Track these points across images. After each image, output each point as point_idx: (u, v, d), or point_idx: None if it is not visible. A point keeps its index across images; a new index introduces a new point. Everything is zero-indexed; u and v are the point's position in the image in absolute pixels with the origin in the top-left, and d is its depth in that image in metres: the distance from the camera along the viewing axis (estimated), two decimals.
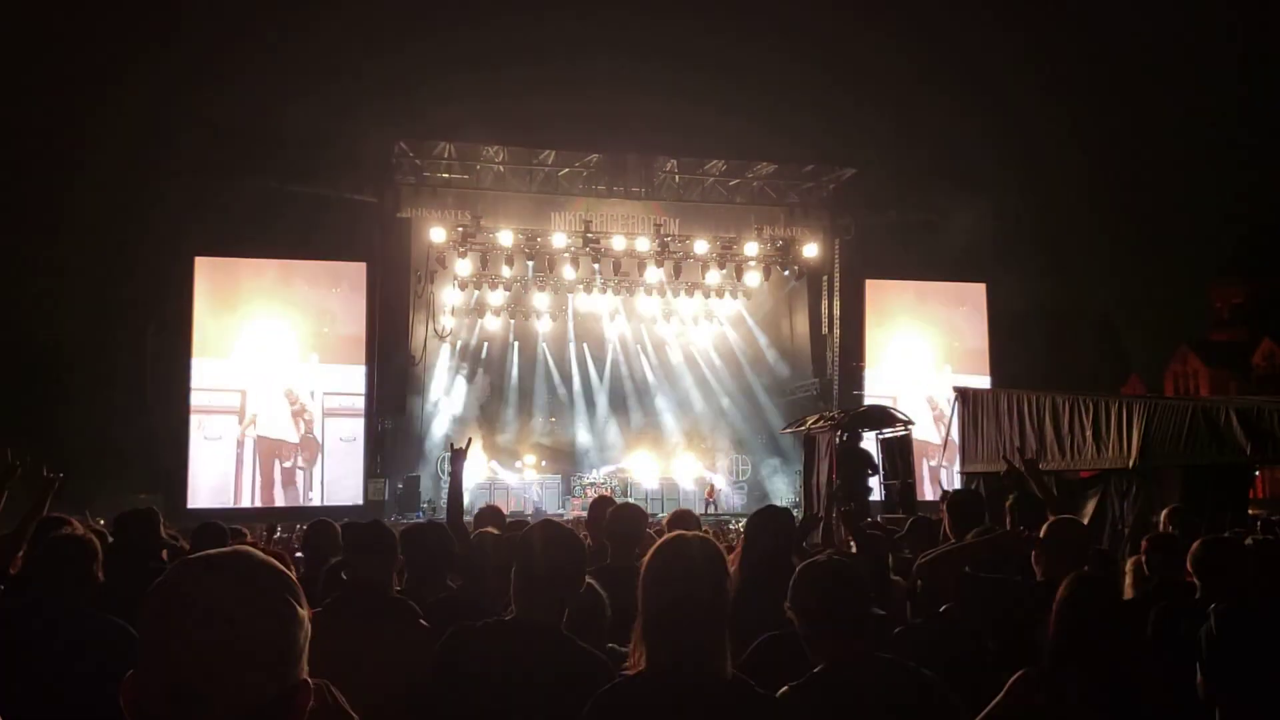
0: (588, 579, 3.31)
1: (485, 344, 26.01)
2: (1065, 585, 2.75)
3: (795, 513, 17.33)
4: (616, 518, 4.51)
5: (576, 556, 2.88)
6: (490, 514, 5.61)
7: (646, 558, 2.44)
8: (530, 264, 24.02)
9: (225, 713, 1.21)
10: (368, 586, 3.46)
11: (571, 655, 2.72)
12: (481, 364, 25.98)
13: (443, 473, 24.48)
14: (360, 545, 3.58)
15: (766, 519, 4.20)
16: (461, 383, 25.57)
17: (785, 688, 2.55)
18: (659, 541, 2.48)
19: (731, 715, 2.26)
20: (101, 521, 7.14)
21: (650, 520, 6.85)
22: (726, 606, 2.34)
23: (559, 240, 23.50)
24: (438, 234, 23.17)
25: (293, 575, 1.35)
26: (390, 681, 2.97)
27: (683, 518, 4.98)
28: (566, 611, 2.80)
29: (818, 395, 25.47)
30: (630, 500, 5.53)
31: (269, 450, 22.90)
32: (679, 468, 25.68)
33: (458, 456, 5.34)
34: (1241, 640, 2.12)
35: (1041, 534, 3.90)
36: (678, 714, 2.24)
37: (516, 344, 26.28)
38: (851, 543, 5.54)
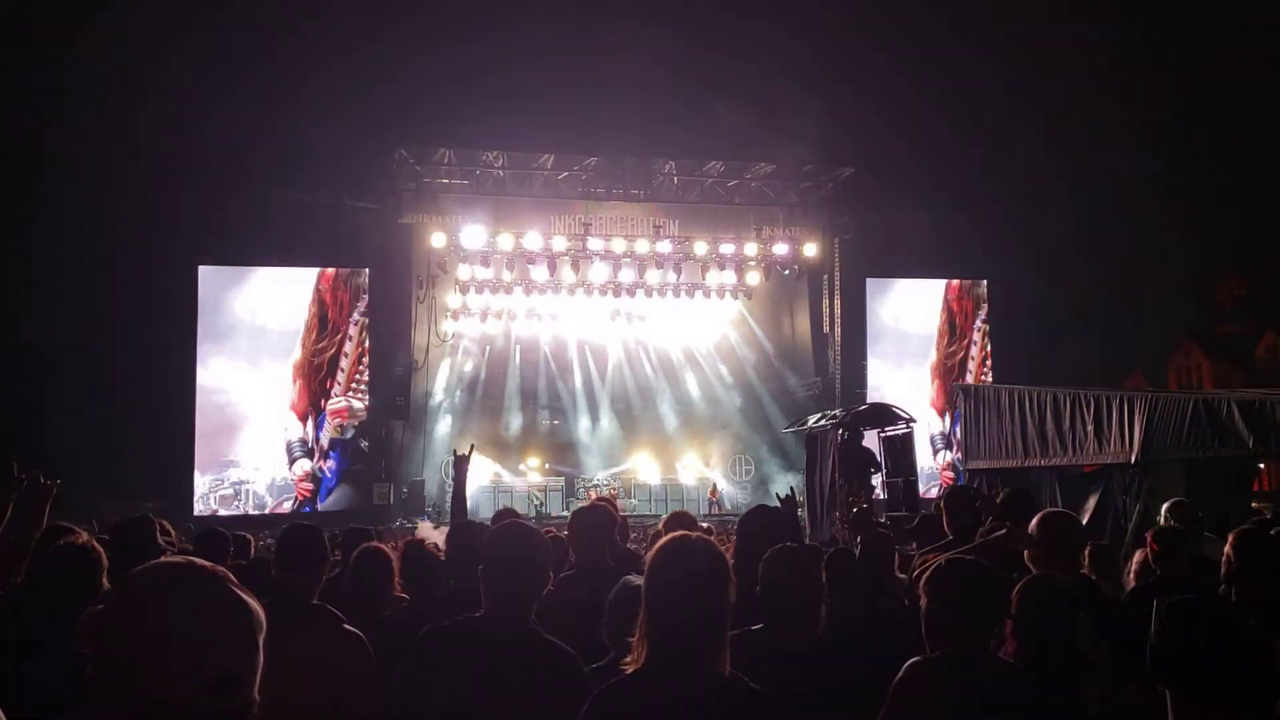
0: (633, 578, 3.35)
1: (488, 347, 26.05)
2: (931, 569, 2.92)
3: (800, 512, 17.32)
4: (577, 520, 4.47)
5: (542, 552, 2.92)
6: (506, 517, 5.58)
7: (650, 556, 2.48)
8: (531, 267, 24.07)
9: (248, 693, 1.34)
10: (291, 595, 3.42)
11: (540, 649, 2.76)
12: (484, 367, 26.02)
13: (446, 478, 24.55)
14: (285, 553, 3.55)
15: (758, 518, 4.23)
16: (464, 386, 25.62)
17: (913, 659, 2.80)
18: (663, 541, 2.50)
19: (729, 713, 2.30)
20: (106, 535, 7.16)
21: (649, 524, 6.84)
22: (729, 607, 2.37)
23: (559, 243, 23.57)
24: (438, 239, 23.27)
25: None
26: (310, 689, 2.99)
27: (681, 519, 4.98)
28: (536, 605, 2.85)
29: (820, 394, 25.50)
30: (601, 500, 5.45)
31: (273, 458, 22.92)
32: (682, 468, 25.71)
33: (460, 463, 5.35)
34: (1186, 633, 2.15)
35: (1032, 530, 3.91)
36: (678, 711, 2.28)
37: (519, 347, 26.29)
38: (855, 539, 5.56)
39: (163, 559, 1.44)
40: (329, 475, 23.17)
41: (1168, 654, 2.08)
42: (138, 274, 21.43)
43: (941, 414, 25.77)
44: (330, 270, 23.52)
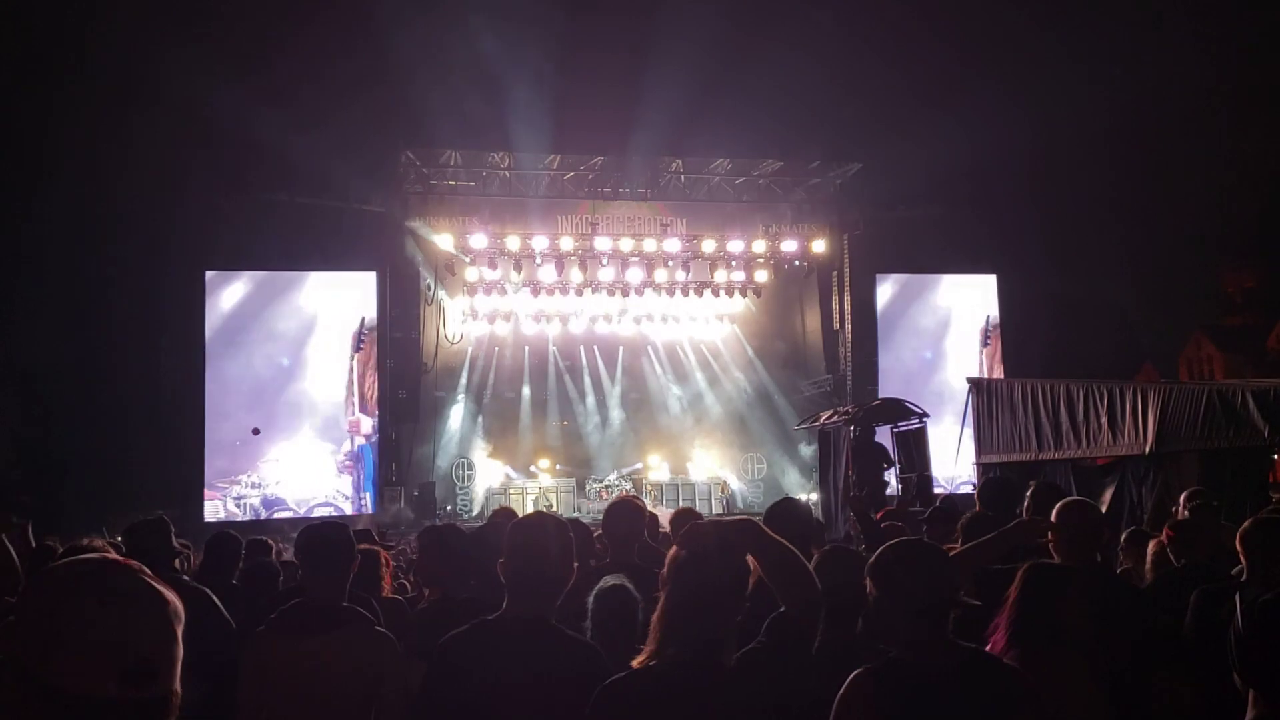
0: (622, 579, 3.29)
1: (496, 349, 26.04)
2: (1020, 574, 2.76)
3: (814, 511, 17.26)
4: (609, 516, 4.47)
5: (565, 548, 2.82)
6: (504, 516, 5.57)
7: (670, 552, 2.44)
8: (539, 268, 24.06)
9: (166, 684, 1.36)
10: (317, 596, 3.40)
11: (563, 646, 2.70)
12: (493, 369, 26.01)
13: (458, 480, 24.57)
14: (309, 556, 3.49)
15: (784, 512, 4.18)
16: (473, 388, 25.62)
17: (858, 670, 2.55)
18: (680, 534, 2.47)
19: (733, 704, 2.25)
20: (119, 538, 7.16)
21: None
22: (742, 598, 2.33)
23: (567, 243, 23.56)
24: (445, 241, 23.29)
25: None
26: (340, 692, 2.94)
27: (686, 516, 4.95)
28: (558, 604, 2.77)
29: (831, 391, 25.42)
30: (629, 496, 5.43)
31: (281, 463, 22.89)
32: (693, 467, 25.65)
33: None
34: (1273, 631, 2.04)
35: (1053, 519, 3.85)
36: (682, 704, 2.24)
37: (527, 348, 26.30)
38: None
39: (76, 557, 1.44)
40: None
41: (1261, 654, 1.97)
42: (143, 280, 21.41)
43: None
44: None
